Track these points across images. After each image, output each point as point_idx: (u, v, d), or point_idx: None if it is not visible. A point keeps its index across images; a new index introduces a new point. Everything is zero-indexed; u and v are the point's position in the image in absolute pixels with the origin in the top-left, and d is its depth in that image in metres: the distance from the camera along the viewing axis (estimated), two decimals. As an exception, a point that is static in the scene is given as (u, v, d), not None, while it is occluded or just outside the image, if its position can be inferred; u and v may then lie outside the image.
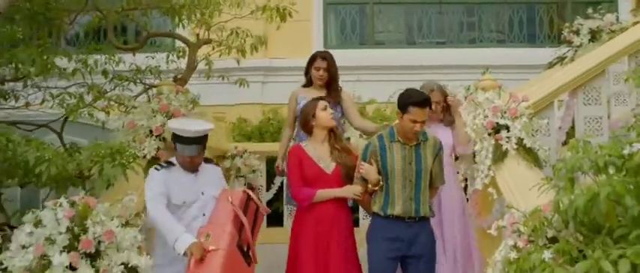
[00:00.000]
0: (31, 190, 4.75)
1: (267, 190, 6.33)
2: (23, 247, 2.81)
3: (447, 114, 4.34)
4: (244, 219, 3.43)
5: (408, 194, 3.60)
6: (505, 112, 4.03)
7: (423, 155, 3.63)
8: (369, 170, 3.59)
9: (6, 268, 2.80)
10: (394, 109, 6.52)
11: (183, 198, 3.50)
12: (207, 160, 3.76)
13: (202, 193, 3.56)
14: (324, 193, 3.74)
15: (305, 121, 3.92)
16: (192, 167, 3.57)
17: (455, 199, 4.25)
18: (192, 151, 3.49)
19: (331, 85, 4.59)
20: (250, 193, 3.60)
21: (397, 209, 3.60)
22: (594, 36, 6.47)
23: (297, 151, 3.88)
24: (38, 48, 3.89)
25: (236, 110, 7.66)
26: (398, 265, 3.68)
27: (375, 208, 3.66)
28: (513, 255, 2.66)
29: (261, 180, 6.23)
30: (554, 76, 4.82)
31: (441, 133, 4.07)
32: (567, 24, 6.86)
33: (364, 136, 6.23)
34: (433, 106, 4.01)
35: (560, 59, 6.55)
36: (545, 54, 6.90)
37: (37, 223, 2.84)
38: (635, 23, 4.92)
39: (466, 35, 8.32)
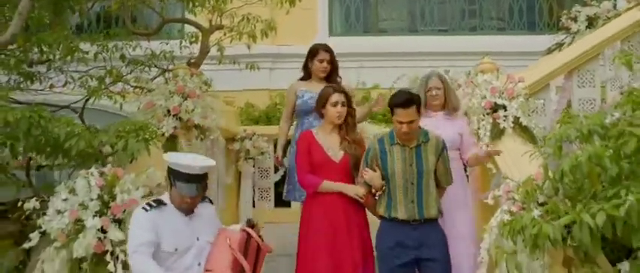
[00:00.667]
0: (43, 175, 5.01)
1: (275, 172, 6.54)
2: (59, 212, 3.08)
3: (449, 102, 4.21)
4: (245, 264, 3.09)
5: (410, 197, 3.55)
6: (503, 93, 4.27)
7: (424, 156, 3.57)
8: (372, 177, 3.56)
9: (44, 231, 3.07)
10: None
11: (175, 244, 3.02)
12: (202, 198, 3.26)
13: (198, 239, 3.12)
14: (329, 185, 3.74)
15: (317, 106, 3.95)
16: (190, 209, 3.13)
17: (458, 196, 4.01)
18: (192, 191, 3.04)
19: (332, 77, 4.58)
20: (250, 231, 3.21)
21: (400, 213, 3.56)
22: (591, 23, 6.67)
23: (308, 137, 3.90)
24: (63, 32, 4.12)
25: (244, 96, 7.89)
26: (415, 270, 3.59)
27: (381, 211, 3.63)
28: (507, 218, 2.91)
29: (269, 162, 6.44)
30: (550, 59, 5.05)
31: (443, 125, 4.06)
32: (565, 11, 7.07)
33: (369, 120, 6.49)
34: (433, 92, 4.15)
35: (559, 45, 6.76)
36: (545, 41, 7.09)
37: (71, 191, 3.09)
38: (629, 9, 5.13)
39: (467, 23, 8.52)
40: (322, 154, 3.82)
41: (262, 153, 6.32)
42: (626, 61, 3.01)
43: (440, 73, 4.38)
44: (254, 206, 6.40)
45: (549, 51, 6.82)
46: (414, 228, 3.53)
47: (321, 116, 3.95)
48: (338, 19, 8.45)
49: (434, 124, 3.99)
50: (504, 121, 4.17)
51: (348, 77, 7.09)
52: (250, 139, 6.26)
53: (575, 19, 6.79)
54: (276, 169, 6.50)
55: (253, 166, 6.39)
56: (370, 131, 6.34)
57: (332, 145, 3.85)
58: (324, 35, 8.15)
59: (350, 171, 3.82)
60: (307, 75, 4.65)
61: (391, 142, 3.60)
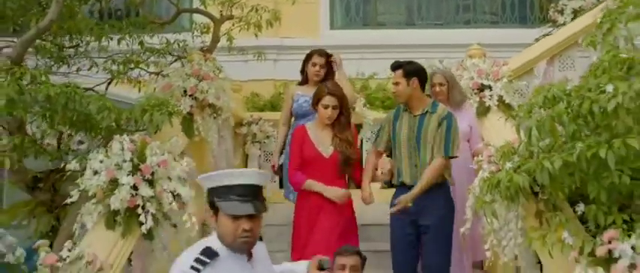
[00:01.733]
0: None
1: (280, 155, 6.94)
2: (95, 173, 3.51)
3: (452, 97, 4.32)
4: None
5: (413, 161, 3.78)
6: (489, 75, 4.73)
7: (425, 124, 3.77)
8: (383, 165, 3.95)
9: (84, 189, 3.51)
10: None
11: None
12: None
13: None
14: (311, 184, 3.86)
15: (312, 102, 4.06)
16: (250, 244, 2.25)
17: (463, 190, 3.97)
18: (249, 209, 2.18)
19: (327, 80, 4.54)
20: None
21: (405, 177, 3.80)
22: (576, 15, 7.09)
23: (301, 132, 4.01)
24: (91, 19, 4.57)
25: (250, 86, 8.29)
26: (418, 240, 3.77)
27: (394, 180, 3.90)
28: (487, 176, 3.35)
29: (274, 146, 6.83)
30: (533, 47, 5.50)
31: None
32: (553, 5, 7.49)
33: (368, 106, 6.91)
34: (437, 88, 4.36)
35: (545, 37, 7.18)
36: (535, 33, 7.42)
37: (107, 155, 3.54)
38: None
39: (462, 17, 8.89)
40: (313, 149, 3.93)
41: (268, 137, 6.70)
42: (590, 41, 3.44)
43: (445, 70, 4.58)
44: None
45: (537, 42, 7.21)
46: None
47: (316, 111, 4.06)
48: (339, 13, 8.81)
49: None
50: (490, 99, 4.62)
51: (348, 68, 7.58)
52: (257, 123, 6.65)
53: (561, 12, 7.21)
54: (281, 153, 6.88)
55: (259, 149, 6.80)
56: (369, 116, 6.80)
57: (323, 141, 3.96)
58: (326, 28, 8.53)
59: (339, 167, 3.95)
60: (305, 79, 4.77)
61: (403, 109, 3.88)
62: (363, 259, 3.28)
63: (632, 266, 2.33)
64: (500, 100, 4.60)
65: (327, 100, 3.91)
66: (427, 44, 8.15)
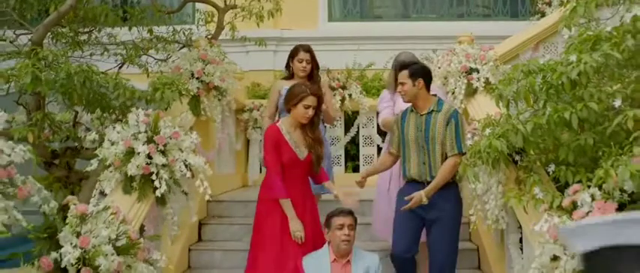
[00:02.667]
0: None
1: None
2: (112, 143, 3.83)
3: None
4: None
5: (422, 159, 3.87)
6: (476, 59, 5.05)
7: (432, 123, 3.84)
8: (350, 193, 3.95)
9: (102, 158, 3.83)
10: (390, 73, 7.46)
11: None
12: None
13: None
14: (286, 205, 3.84)
15: (288, 100, 3.95)
16: None
17: None
18: None
19: (313, 77, 4.76)
20: None
21: (412, 172, 3.90)
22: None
23: (276, 133, 3.91)
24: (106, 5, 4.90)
25: (251, 75, 8.61)
26: (420, 227, 3.92)
27: (403, 177, 4.03)
28: (470, 143, 3.69)
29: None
30: (519, 34, 5.83)
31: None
32: (541, -3, 7.83)
33: (364, 93, 7.24)
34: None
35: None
36: (525, 26, 7.81)
37: (123, 127, 3.86)
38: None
39: (455, 10, 9.20)
40: (291, 152, 3.90)
41: (269, 122, 7.04)
42: (566, 23, 3.76)
43: (408, 54, 4.67)
44: (260, 171, 7.09)
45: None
46: (424, 188, 3.80)
47: (288, 111, 4.00)
48: (337, 6, 9.10)
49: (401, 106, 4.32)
50: (477, 81, 4.94)
51: (346, 58, 7.91)
52: (258, 110, 6.99)
53: (549, 4, 7.54)
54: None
55: (260, 135, 7.13)
56: (365, 103, 7.14)
57: (298, 143, 3.93)
58: (324, 20, 8.83)
59: (311, 168, 4.00)
60: (290, 75, 4.84)
61: (410, 110, 3.97)
62: (355, 220, 3.76)
63: (590, 212, 2.65)
64: (487, 81, 4.92)
65: (310, 100, 3.88)
66: (421, 36, 8.44)
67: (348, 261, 3.74)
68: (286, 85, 4.61)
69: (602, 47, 2.81)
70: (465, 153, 3.76)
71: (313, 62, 4.78)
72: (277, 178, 3.85)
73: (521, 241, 3.86)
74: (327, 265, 3.69)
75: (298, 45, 4.85)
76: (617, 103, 2.75)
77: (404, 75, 3.90)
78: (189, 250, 4.94)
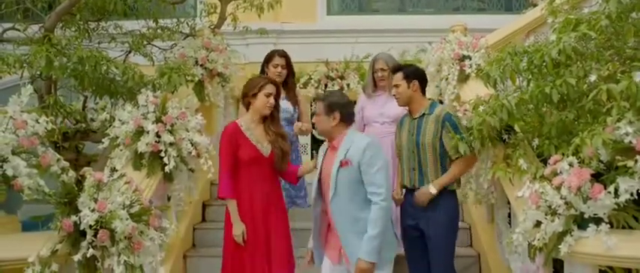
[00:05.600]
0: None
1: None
2: (123, 123, 4.05)
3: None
4: None
5: (412, 165, 3.77)
6: (468, 46, 5.27)
7: (423, 127, 3.73)
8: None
9: (113, 137, 4.04)
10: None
11: None
12: None
13: None
14: (232, 208, 3.69)
15: (244, 94, 3.82)
16: None
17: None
18: None
19: (288, 83, 4.58)
20: None
21: (405, 179, 3.84)
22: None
23: (235, 132, 3.72)
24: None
25: (251, 67, 8.79)
26: (423, 244, 3.77)
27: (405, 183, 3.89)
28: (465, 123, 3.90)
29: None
30: (511, 24, 6.05)
31: (388, 103, 4.35)
32: (535, -10, 8.02)
33: (362, 83, 7.45)
34: (379, 73, 4.49)
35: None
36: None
37: (134, 107, 4.08)
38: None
39: (451, 4, 9.41)
40: (253, 148, 3.72)
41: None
42: (551, 11, 3.98)
43: (386, 55, 4.65)
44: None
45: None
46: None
47: (247, 106, 3.84)
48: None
49: (379, 103, 4.45)
50: (469, 68, 5.16)
51: (344, 51, 8.12)
52: (257, 99, 7.17)
53: (542, -4, 7.76)
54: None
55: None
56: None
57: (260, 139, 3.77)
58: (323, 14, 9.04)
59: (276, 165, 3.82)
60: None
61: (406, 115, 3.91)
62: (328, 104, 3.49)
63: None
64: (479, 68, 5.13)
65: (270, 88, 3.76)
66: (418, 29, 8.61)
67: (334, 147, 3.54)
68: None
69: (580, 28, 3.03)
70: (468, 153, 3.67)
71: (289, 68, 4.59)
72: (224, 175, 3.66)
73: (509, 215, 4.10)
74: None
75: (274, 50, 4.65)
76: (592, 78, 2.97)
77: (398, 77, 3.80)
78: (194, 229, 5.17)
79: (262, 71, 4.61)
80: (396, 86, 3.81)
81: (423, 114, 3.77)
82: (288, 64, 4.57)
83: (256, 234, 3.70)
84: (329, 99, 3.53)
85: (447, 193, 3.74)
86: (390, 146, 4.28)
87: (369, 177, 3.30)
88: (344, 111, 3.49)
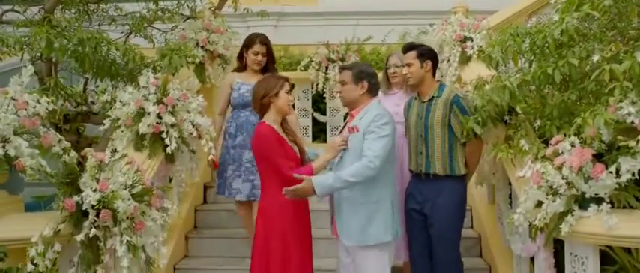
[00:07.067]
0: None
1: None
2: (124, 104, 4.04)
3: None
4: None
5: (419, 149, 3.69)
6: (470, 28, 5.25)
7: (432, 110, 3.66)
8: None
9: (114, 118, 4.04)
10: (389, 48, 7.64)
11: None
12: None
13: None
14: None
15: (264, 94, 3.51)
16: None
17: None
18: None
19: (269, 69, 4.39)
20: None
21: (411, 164, 3.78)
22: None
23: (273, 132, 3.46)
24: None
25: (252, 50, 8.81)
26: (423, 223, 3.73)
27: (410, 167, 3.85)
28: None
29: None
30: (512, 5, 6.03)
31: (402, 101, 4.15)
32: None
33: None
34: (392, 70, 4.35)
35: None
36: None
37: (135, 88, 4.07)
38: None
39: (453, -15, 9.38)
40: (291, 151, 3.53)
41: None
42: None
43: (400, 53, 4.32)
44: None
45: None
46: (423, 183, 3.69)
47: (261, 109, 3.56)
48: (336, -19, 9.30)
49: (394, 101, 4.27)
50: (471, 49, 5.15)
51: (345, 33, 8.10)
52: (259, 81, 7.16)
53: (545, -21, 7.72)
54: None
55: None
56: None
57: (288, 140, 3.58)
58: (323, -4, 9.02)
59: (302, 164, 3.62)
60: (242, 66, 4.43)
61: (415, 97, 3.84)
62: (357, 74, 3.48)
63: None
64: (480, 50, 5.12)
65: (288, 86, 3.59)
66: (419, 11, 8.61)
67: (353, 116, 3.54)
68: (239, 78, 4.29)
69: (583, 8, 3.01)
70: (477, 136, 3.63)
71: (269, 55, 4.39)
72: (286, 168, 3.40)
73: (510, 197, 4.11)
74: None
75: (253, 35, 4.39)
76: (595, 58, 2.96)
77: (412, 55, 3.72)
78: (196, 210, 5.19)
79: (240, 56, 4.37)
80: (409, 65, 3.72)
81: (433, 97, 3.70)
82: (269, 51, 4.38)
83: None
84: (358, 67, 3.53)
85: (455, 178, 3.68)
86: (401, 149, 4.12)
87: (368, 142, 3.30)
88: (372, 81, 3.50)
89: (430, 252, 3.73)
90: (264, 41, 4.33)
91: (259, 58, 4.29)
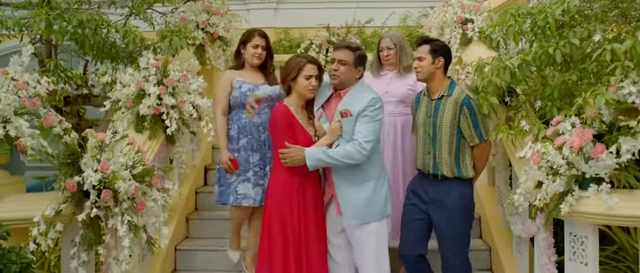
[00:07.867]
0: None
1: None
2: (124, 85, 4.04)
3: (401, 61, 4.30)
4: None
5: (427, 148, 3.58)
6: (471, 10, 5.23)
7: (441, 109, 3.52)
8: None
9: (114, 100, 4.04)
10: (389, 31, 7.59)
11: None
12: None
13: None
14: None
15: (286, 75, 3.53)
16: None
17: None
18: None
19: (267, 66, 4.23)
20: None
21: (418, 162, 3.68)
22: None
23: (287, 114, 3.47)
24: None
25: (252, 32, 8.78)
26: (426, 224, 3.62)
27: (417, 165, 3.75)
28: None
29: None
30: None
31: (394, 82, 4.21)
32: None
33: (364, 47, 7.41)
34: (385, 52, 4.30)
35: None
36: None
37: (135, 69, 4.06)
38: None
39: (454, -32, 9.32)
40: (305, 133, 3.51)
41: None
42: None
43: (392, 35, 4.42)
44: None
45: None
46: (430, 183, 3.58)
47: (288, 91, 3.58)
48: (337, -37, 9.25)
49: (385, 81, 4.26)
50: (472, 31, 5.14)
51: (345, 16, 8.07)
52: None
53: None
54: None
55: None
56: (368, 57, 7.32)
57: (306, 123, 3.54)
58: (325, -20, 8.96)
59: None
60: (241, 63, 4.20)
61: (424, 93, 3.69)
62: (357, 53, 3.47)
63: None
64: (481, 31, 5.11)
65: (310, 69, 3.48)
66: (418, -7, 8.59)
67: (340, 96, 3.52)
68: (238, 76, 4.09)
69: (585, -13, 3.01)
70: (486, 140, 3.54)
71: (268, 50, 4.22)
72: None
73: (510, 178, 4.12)
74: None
75: (253, 29, 4.24)
76: (596, 38, 2.95)
77: (424, 49, 3.56)
78: (196, 192, 5.20)
79: (238, 52, 4.21)
80: (420, 59, 3.56)
81: (442, 96, 3.54)
82: (268, 46, 4.21)
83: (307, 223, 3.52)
84: (359, 52, 3.51)
85: (463, 180, 3.55)
86: (392, 127, 4.20)
87: (360, 125, 3.36)
88: (366, 66, 3.59)
89: (422, 246, 3.67)
90: (263, 34, 4.19)
91: (259, 51, 4.09)
